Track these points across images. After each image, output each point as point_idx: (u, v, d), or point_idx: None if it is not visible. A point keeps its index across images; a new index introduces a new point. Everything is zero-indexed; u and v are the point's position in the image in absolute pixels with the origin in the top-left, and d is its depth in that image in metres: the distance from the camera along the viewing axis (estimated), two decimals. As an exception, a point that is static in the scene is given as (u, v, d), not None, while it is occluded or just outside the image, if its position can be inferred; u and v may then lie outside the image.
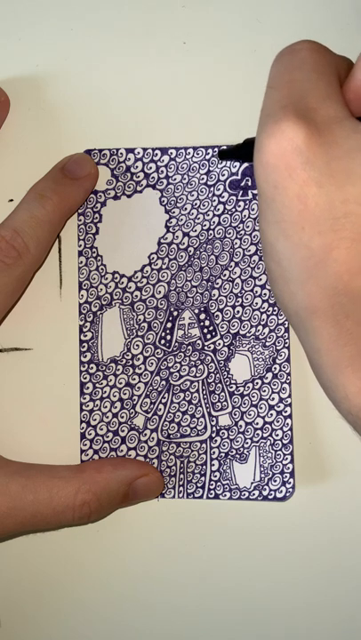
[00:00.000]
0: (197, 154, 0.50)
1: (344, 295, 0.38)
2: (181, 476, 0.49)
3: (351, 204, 0.38)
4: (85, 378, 0.50)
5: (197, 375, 0.49)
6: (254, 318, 0.49)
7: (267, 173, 0.39)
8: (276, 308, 0.49)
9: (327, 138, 0.38)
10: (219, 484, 0.48)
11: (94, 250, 0.50)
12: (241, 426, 0.49)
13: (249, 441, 0.48)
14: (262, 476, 0.48)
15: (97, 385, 0.49)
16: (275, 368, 0.48)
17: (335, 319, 0.39)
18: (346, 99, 0.40)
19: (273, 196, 0.39)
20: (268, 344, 0.49)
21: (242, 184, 0.49)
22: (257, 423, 0.48)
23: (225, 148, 0.49)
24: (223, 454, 0.49)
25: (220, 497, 0.48)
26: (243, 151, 0.47)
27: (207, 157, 0.49)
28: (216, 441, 0.49)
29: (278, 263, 0.40)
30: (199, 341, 0.49)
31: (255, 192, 0.49)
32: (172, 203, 0.50)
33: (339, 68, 0.41)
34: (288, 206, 0.39)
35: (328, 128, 0.39)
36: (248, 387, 0.49)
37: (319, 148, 0.38)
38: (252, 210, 0.49)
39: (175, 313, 0.49)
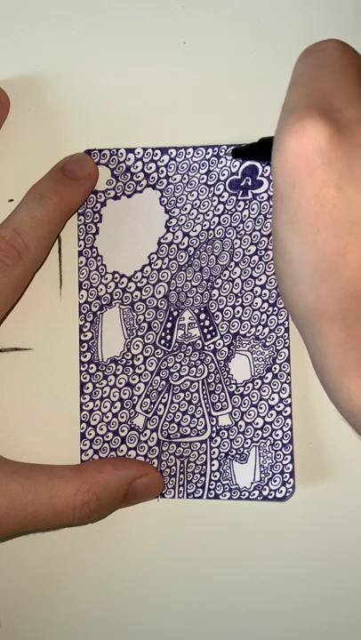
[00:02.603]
0: (197, 154, 0.50)
1: (355, 299, 0.38)
2: (181, 476, 0.49)
3: None
4: (85, 378, 0.50)
5: (197, 375, 0.49)
6: (254, 318, 0.49)
7: (285, 171, 0.38)
8: (276, 308, 0.49)
9: (349, 140, 0.38)
10: (219, 483, 0.48)
11: (94, 250, 0.50)
12: (241, 426, 0.49)
13: (249, 441, 0.48)
14: (262, 476, 0.48)
15: (97, 385, 0.49)
16: (275, 368, 0.48)
17: (344, 323, 0.38)
18: None
19: (290, 195, 0.38)
20: (268, 344, 0.49)
21: (242, 184, 0.49)
22: (257, 423, 0.48)
23: (239, 146, 0.49)
24: (223, 454, 0.49)
25: (220, 497, 0.48)
26: (257, 150, 0.47)
27: (207, 157, 0.49)
28: (216, 441, 0.49)
29: (289, 263, 0.40)
30: (199, 341, 0.49)
31: (255, 192, 0.49)
32: (172, 203, 0.50)
33: None
34: (305, 207, 0.38)
35: (351, 129, 0.38)
36: (248, 387, 0.49)
37: (341, 150, 0.38)
38: (252, 210, 0.49)
39: (175, 313, 0.49)
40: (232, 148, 0.49)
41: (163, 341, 0.49)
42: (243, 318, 0.49)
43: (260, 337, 0.49)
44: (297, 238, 0.39)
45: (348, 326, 0.38)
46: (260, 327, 0.49)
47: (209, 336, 0.49)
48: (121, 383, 0.49)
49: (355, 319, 0.38)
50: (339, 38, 0.46)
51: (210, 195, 0.49)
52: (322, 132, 0.38)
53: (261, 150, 0.47)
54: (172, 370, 0.49)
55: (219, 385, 0.49)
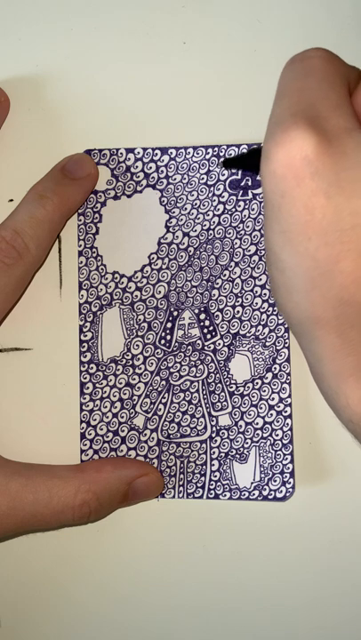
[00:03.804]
0: (197, 154, 0.50)
1: (350, 306, 0.38)
2: (181, 476, 0.49)
3: (359, 216, 0.38)
4: (85, 378, 0.50)
5: (197, 375, 0.49)
6: (254, 318, 0.49)
7: (274, 182, 0.38)
8: (276, 308, 0.49)
9: (337, 148, 0.38)
10: (219, 483, 0.48)
11: (94, 250, 0.50)
12: (241, 426, 0.49)
13: (249, 441, 0.48)
14: (262, 476, 0.48)
15: (97, 385, 0.49)
16: (275, 368, 0.48)
17: (340, 329, 0.38)
18: (355, 111, 0.40)
19: (280, 205, 0.38)
20: (268, 344, 0.49)
21: (242, 184, 0.49)
22: (257, 423, 0.48)
23: (229, 157, 0.49)
24: (223, 454, 0.49)
25: (220, 497, 0.48)
26: (248, 161, 0.47)
27: (207, 157, 0.49)
28: (216, 441, 0.49)
29: (282, 272, 0.40)
30: (199, 341, 0.49)
31: (255, 192, 0.49)
32: (172, 203, 0.50)
33: (349, 77, 0.41)
34: (295, 216, 0.38)
35: (338, 138, 0.38)
36: (248, 387, 0.49)
37: (329, 159, 0.38)
38: (252, 210, 0.49)
39: (175, 313, 0.49)
40: (222, 159, 0.49)
41: (163, 341, 0.49)
42: (243, 318, 0.49)
43: (260, 337, 0.49)
44: (289, 247, 0.39)
45: (343, 332, 0.38)
46: (260, 327, 0.49)
47: (209, 336, 0.49)
48: (121, 383, 0.49)
49: (350, 325, 0.38)
50: (339, 38, 0.46)
51: (210, 195, 0.49)
52: (309, 141, 0.38)
53: (251, 160, 0.47)
54: (172, 370, 0.49)
55: (219, 385, 0.49)
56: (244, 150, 0.49)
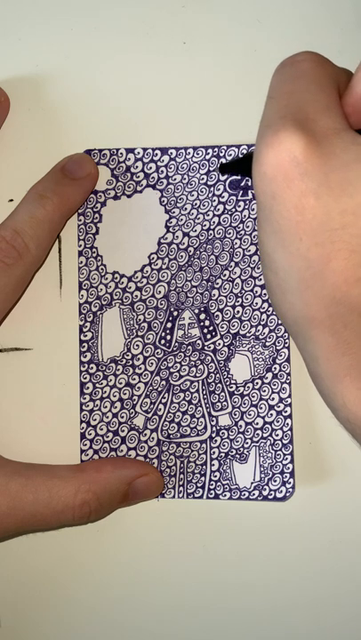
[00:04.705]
0: (197, 154, 0.50)
1: (342, 305, 0.38)
2: (181, 476, 0.49)
3: (349, 215, 0.38)
4: (85, 378, 0.50)
5: (197, 375, 0.49)
6: (254, 318, 0.49)
7: (265, 184, 0.39)
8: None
9: (326, 149, 0.38)
10: (219, 483, 0.48)
11: (94, 250, 0.50)
12: (241, 426, 0.49)
13: (249, 441, 0.48)
14: (262, 476, 0.48)
15: (97, 385, 0.49)
16: (275, 368, 0.48)
17: (333, 329, 0.39)
18: (344, 112, 0.40)
19: (271, 206, 0.39)
20: (268, 344, 0.49)
21: (242, 184, 0.49)
22: (257, 423, 0.48)
23: (224, 162, 0.49)
24: (223, 454, 0.49)
25: (220, 497, 0.48)
26: (244, 165, 0.47)
27: (207, 158, 0.49)
28: (216, 441, 0.49)
29: (276, 273, 0.40)
30: (199, 341, 0.49)
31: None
32: (172, 203, 0.50)
33: (338, 80, 0.41)
34: (286, 217, 0.39)
35: (327, 139, 0.39)
36: (248, 387, 0.49)
37: (317, 160, 0.38)
38: (252, 210, 0.49)
39: (175, 313, 0.49)
40: (219, 164, 0.49)
41: (163, 341, 0.49)
42: (243, 318, 0.49)
43: (260, 337, 0.49)
44: (281, 248, 0.39)
45: (337, 332, 0.39)
46: (260, 327, 0.49)
47: (209, 336, 0.49)
48: (121, 383, 0.49)
49: (343, 325, 0.38)
50: (339, 38, 0.46)
51: (210, 195, 0.49)
52: (297, 143, 0.38)
53: (246, 165, 0.47)
54: (172, 370, 0.49)
55: (219, 385, 0.49)
56: (244, 151, 0.49)
